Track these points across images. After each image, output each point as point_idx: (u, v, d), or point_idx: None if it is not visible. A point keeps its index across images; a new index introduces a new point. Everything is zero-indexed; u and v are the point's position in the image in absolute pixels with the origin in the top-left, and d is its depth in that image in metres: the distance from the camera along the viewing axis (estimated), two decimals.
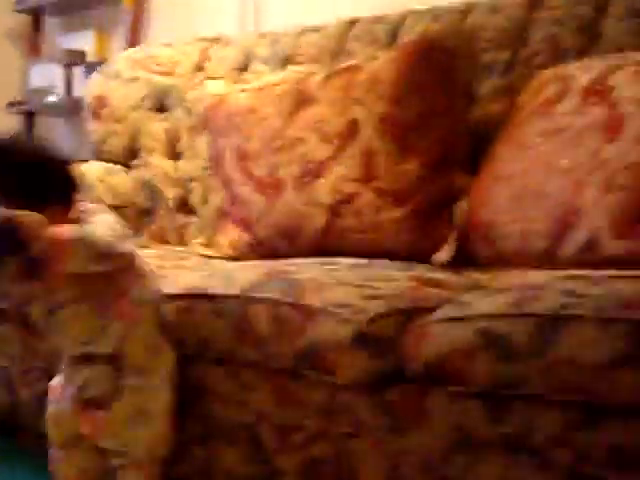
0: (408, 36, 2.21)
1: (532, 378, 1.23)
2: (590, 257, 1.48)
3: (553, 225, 1.56)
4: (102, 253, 1.53)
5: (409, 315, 1.42)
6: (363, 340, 1.40)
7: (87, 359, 1.61)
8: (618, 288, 1.25)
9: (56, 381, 1.71)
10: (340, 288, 1.51)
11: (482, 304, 1.33)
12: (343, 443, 1.48)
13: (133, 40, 3.42)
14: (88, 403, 1.61)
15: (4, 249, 1.49)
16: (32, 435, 2.16)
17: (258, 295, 1.56)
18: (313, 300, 1.49)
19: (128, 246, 1.62)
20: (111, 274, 1.57)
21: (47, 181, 1.57)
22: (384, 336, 1.41)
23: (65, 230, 1.51)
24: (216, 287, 1.66)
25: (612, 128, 1.55)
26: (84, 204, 1.63)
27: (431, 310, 1.41)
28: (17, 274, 1.54)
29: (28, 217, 1.48)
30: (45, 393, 1.76)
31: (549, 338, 1.21)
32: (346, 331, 1.41)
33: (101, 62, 3.39)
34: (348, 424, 1.47)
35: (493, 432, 1.29)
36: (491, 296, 1.36)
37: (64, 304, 1.59)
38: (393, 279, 1.56)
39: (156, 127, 2.66)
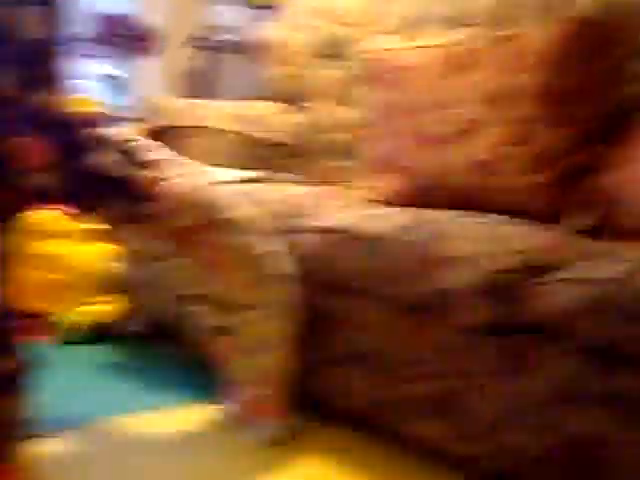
0: (579, 6, 2.29)
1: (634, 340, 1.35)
2: None
3: None
4: (204, 207, 1.73)
5: (536, 272, 1.56)
6: (491, 288, 1.56)
7: (195, 299, 1.83)
8: None
9: None
10: (478, 241, 1.66)
11: (604, 269, 1.46)
12: (463, 379, 1.65)
13: None
14: (212, 333, 1.84)
15: (122, 201, 1.72)
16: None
17: (406, 238, 1.74)
18: (453, 249, 1.65)
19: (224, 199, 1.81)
20: (206, 226, 1.77)
21: None
22: (510, 288, 1.56)
23: (175, 186, 1.71)
24: (368, 227, 1.84)
25: None
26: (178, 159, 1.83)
27: (556, 269, 1.54)
28: (120, 220, 1.79)
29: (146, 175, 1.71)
30: None
31: None
32: (477, 278, 1.57)
33: (281, 6, 3.58)
34: (470, 362, 1.63)
35: (597, 388, 1.43)
36: (615, 263, 1.48)
37: (165, 257, 1.80)
38: (529, 237, 1.69)
39: (328, 74, 2.84)
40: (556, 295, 1.49)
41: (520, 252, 1.61)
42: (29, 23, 1.51)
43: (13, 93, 1.50)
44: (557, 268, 1.55)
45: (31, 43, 1.52)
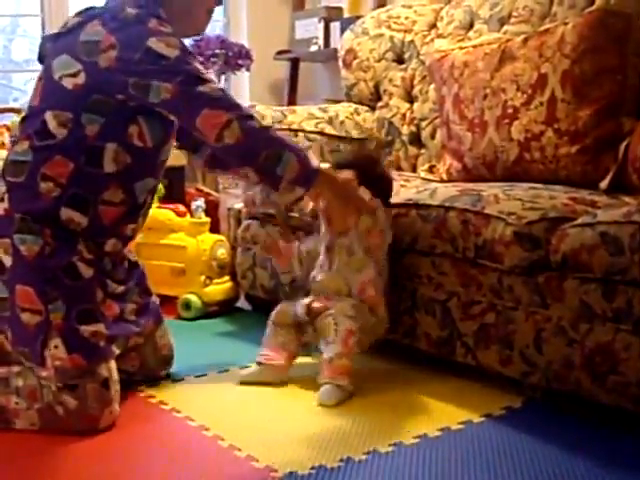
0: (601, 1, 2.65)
1: (633, 268, 1.74)
2: None
3: None
4: None
5: (556, 222, 1.96)
6: (521, 238, 1.96)
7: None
8: None
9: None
10: (511, 202, 2.06)
11: (605, 215, 1.85)
12: (506, 313, 2.05)
13: (381, 0, 4.00)
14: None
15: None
16: None
17: (452, 205, 2.15)
18: (490, 209, 2.06)
19: None
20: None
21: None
22: (536, 236, 1.96)
23: None
24: (424, 199, 2.25)
25: None
26: None
27: (573, 219, 1.93)
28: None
29: None
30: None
31: None
32: (510, 231, 1.98)
33: (355, 18, 4.00)
34: (510, 300, 2.03)
35: (606, 307, 1.82)
36: (615, 210, 1.87)
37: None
38: (553, 198, 2.08)
39: (395, 76, 3.27)
40: (571, 238, 1.88)
41: (543, 209, 2.01)
42: None
43: None
44: (572, 218, 1.94)
45: None
